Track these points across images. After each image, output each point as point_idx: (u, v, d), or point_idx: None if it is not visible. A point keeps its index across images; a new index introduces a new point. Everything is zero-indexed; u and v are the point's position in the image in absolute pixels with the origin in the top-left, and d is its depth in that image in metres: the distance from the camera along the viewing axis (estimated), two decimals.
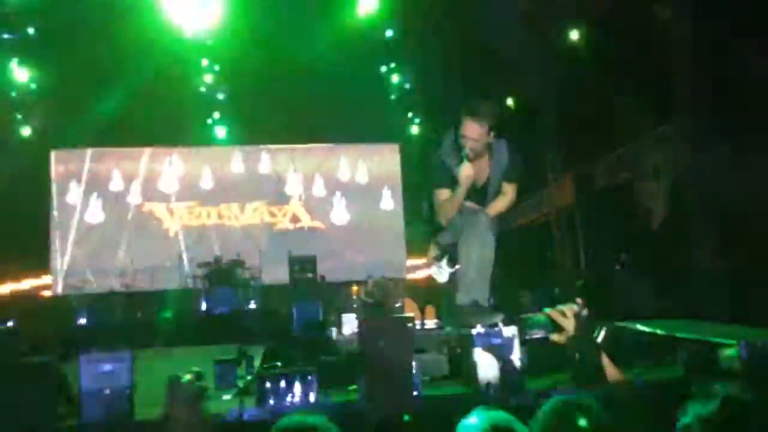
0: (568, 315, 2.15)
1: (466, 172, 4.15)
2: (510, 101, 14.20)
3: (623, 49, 10.09)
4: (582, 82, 11.47)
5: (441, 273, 4.60)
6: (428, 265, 4.87)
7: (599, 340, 4.36)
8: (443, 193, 4.33)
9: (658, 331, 4.85)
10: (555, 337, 2.17)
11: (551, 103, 13.97)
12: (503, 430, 1.77)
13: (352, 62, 12.81)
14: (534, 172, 13.50)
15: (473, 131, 4.22)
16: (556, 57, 12.77)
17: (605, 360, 2.12)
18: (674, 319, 5.70)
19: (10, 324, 10.58)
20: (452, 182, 4.29)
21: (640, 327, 4.91)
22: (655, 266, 8.77)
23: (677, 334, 4.66)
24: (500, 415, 1.83)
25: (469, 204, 4.47)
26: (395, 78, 14.34)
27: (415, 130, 15.55)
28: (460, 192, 4.23)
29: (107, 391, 3.27)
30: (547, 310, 2.18)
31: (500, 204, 4.53)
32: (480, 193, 4.51)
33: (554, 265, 14.08)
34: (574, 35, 11.88)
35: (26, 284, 13.74)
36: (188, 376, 1.51)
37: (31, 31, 11.80)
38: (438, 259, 4.63)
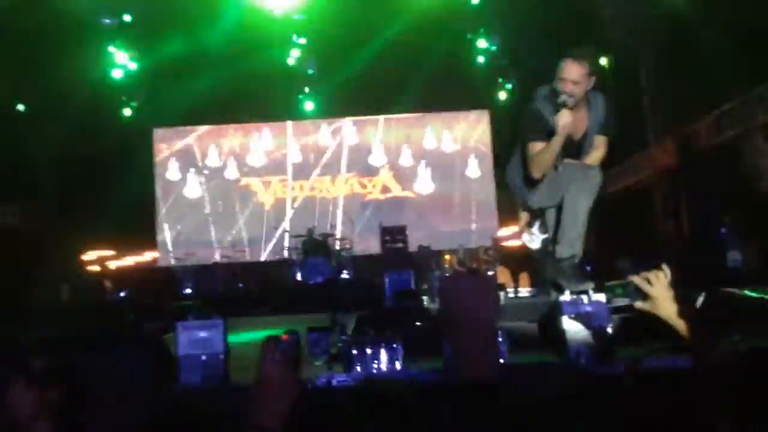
0: (653, 282, 2.04)
1: (564, 119, 3.84)
2: (605, 60, 13.62)
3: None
4: (683, 36, 10.84)
5: (533, 239, 4.47)
6: (520, 232, 4.75)
7: (698, 305, 4.17)
8: (537, 146, 4.06)
9: (766, 297, 4.58)
10: (639, 304, 2.07)
11: (650, 59, 13.31)
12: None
13: (438, 29, 12.63)
14: (633, 133, 12.96)
15: (573, 72, 3.87)
16: (655, 10, 12.12)
17: (692, 327, 2.00)
18: None
19: (122, 294, 11.29)
20: (548, 135, 4.04)
21: (747, 293, 4.65)
22: (764, 230, 8.25)
23: None
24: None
25: (568, 160, 4.24)
26: (482, 43, 14.00)
27: (504, 95, 15.20)
28: (556, 141, 3.90)
29: (203, 357, 3.43)
30: (633, 277, 2.09)
31: (595, 158, 4.31)
32: (576, 148, 4.27)
33: (655, 230, 13.53)
34: None
35: (136, 257, 14.56)
36: (283, 336, 1.54)
37: (127, 16, 12.31)
38: (530, 225, 4.50)
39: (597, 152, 4.29)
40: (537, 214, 4.48)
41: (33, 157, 12.95)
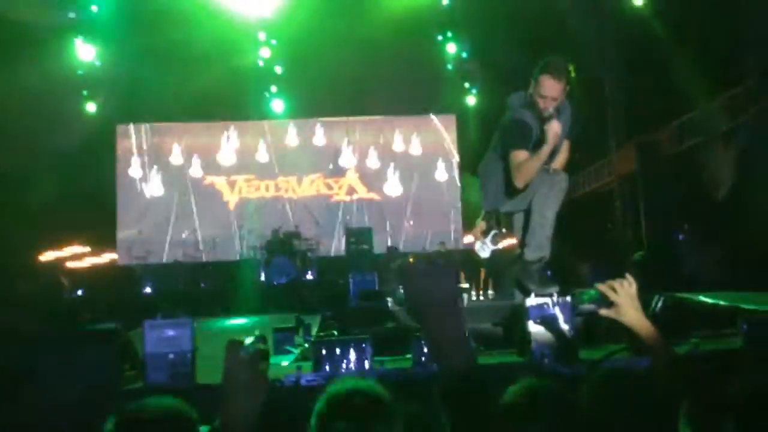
0: (618, 289, 2.12)
1: (555, 129, 3.89)
2: (570, 67, 13.86)
3: (689, 11, 9.69)
4: (646, 46, 11.09)
5: (484, 249, 4.57)
6: (473, 240, 4.84)
7: (656, 310, 4.29)
8: (521, 154, 4.08)
9: (721, 303, 4.71)
10: (605, 311, 2.15)
11: (613, 68, 13.58)
12: (543, 397, 1.76)
13: (408, 33, 12.68)
14: (596, 140, 13.20)
15: (554, 89, 3.89)
16: (619, 21, 12.37)
17: (651, 331, 2.09)
18: (738, 291, 5.52)
19: (79, 293, 11.09)
20: (531, 143, 4.07)
21: (702, 298, 4.78)
22: (720, 237, 8.48)
23: (741, 306, 4.51)
24: (542, 383, 1.82)
25: None
26: (451, 47, 14.12)
27: (471, 100, 15.35)
28: (545, 151, 3.92)
29: (170, 356, 3.41)
30: (598, 285, 2.16)
31: (560, 161, 4.39)
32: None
33: (615, 236, 13.80)
34: None
35: (94, 255, 14.29)
36: (250, 339, 1.57)
37: (93, 9, 12.10)
38: (484, 235, 4.59)
39: (561, 156, 4.38)
40: (492, 226, 4.56)
41: None
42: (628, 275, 2.19)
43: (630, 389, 1.86)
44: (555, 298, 3.68)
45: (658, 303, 4.31)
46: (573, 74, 4.13)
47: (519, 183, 4.07)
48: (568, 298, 3.57)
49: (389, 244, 12.93)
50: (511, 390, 1.80)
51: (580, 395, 1.88)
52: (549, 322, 3.52)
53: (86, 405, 3.28)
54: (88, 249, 14.02)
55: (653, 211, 11.54)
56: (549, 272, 4.46)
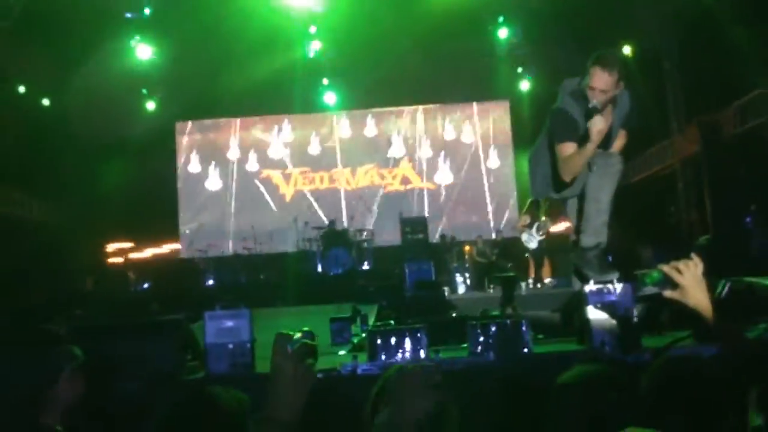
0: (683, 270, 2.04)
1: (598, 126, 3.84)
2: (628, 49, 13.49)
3: None
4: (707, 23, 10.70)
5: (531, 240, 4.54)
6: (519, 231, 4.79)
7: (723, 295, 4.14)
8: (568, 147, 4.05)
9: None
10: (669, 293, 2.06)
11: (673, 47, 13.16)
12: (597, 379, 1.72)
13: (459, 20, 12.54)
14: (656, 121, 12.83)
15: (603, 82, 3.85)
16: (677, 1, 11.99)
17: (716, 315, 2.00)
18: None
19: (146, 286, 11.44)
20: (577, 136, 4.04)
21: None
22: None
23: None
24: (597, 367, 1.78)
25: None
26: (503, 33, 13.89)
27: (525, 85, 15.10)
28: (590, 148, 3.90)
29: (230, 346, 3.48)
30: (662, 266, 2.08)
31: (616, 148, 4.32)
32: (602, 143, 4.29)
33: (678, 219, 13.41)
34: None
35: (159, 249, 14.70)
36: (298, 334, 1.59)
37: (147, 10, 12.38)
38: (529, 226, 4.55)
39: (618, 142, 4.29)
40: (536, 218, 4.52)
41: (58, 151, 13.12)
42: (694, 255, 2.10)
43: (695, 376, 1.79)
44: (615, 284, 3.59)
45: (725, 288, 4.17)
46: (628, 62, 4.05)
47: (566, 177, 4.05)
48: (629, 285, 3.48)
49: (441, 232, 12.87)
50: (566, 374, 1.77)
51: (641, 382, 1.83)
52: (609, 308, 3.43)
53: (151, 393, 3.39)
54: (152, 244, 14.43)
55: (718, 193, 11.14)
56: (609, 257, 4.36)
